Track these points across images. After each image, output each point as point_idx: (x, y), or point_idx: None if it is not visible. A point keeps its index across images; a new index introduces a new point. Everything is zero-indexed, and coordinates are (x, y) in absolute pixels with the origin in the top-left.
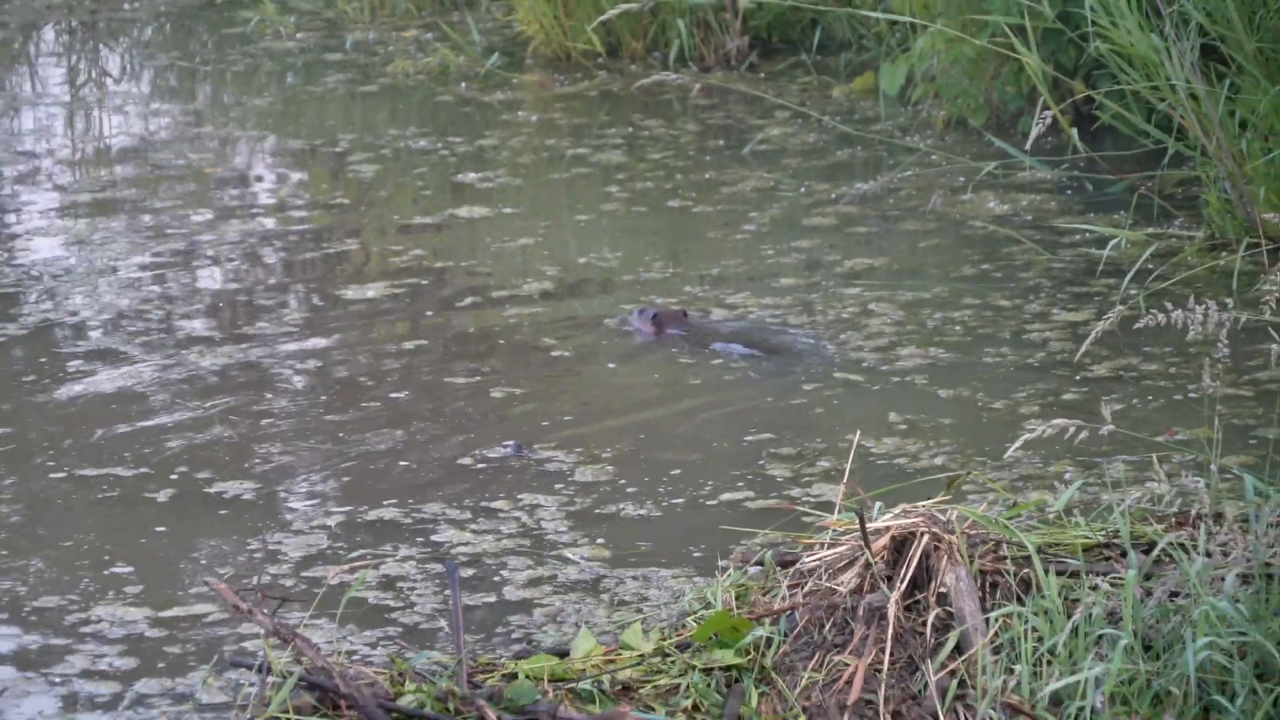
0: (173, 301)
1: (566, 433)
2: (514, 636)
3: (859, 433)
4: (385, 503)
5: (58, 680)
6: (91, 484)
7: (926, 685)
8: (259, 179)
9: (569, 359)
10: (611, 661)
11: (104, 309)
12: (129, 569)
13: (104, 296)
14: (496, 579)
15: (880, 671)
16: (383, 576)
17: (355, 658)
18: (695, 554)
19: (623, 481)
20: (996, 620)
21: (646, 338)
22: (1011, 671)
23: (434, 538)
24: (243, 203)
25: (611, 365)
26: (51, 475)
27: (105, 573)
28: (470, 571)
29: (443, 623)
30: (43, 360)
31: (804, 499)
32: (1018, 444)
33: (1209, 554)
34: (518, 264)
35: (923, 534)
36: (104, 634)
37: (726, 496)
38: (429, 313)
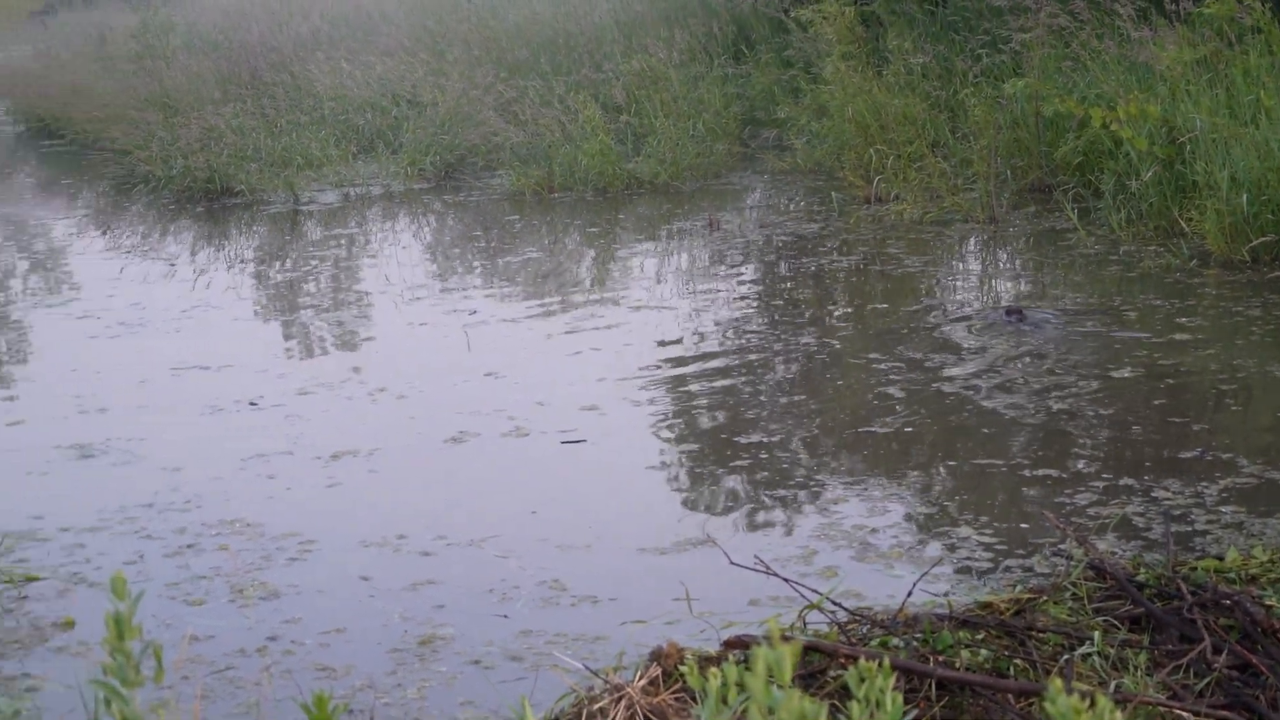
0: (919, 340)
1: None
2: (1195, 550)
3: None
4: (1122, 479)
5: (959, 556)
6: (983, 471)
7: None
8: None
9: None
10: (1245, 564)
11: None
12: (981, 513)
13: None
14: (1188, 522)
15: None
16: (1135, 514)
17: (1113, 554)
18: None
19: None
20: None
21: (1004, 318)
22: None
23: (1152, 494)
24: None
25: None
26: (959, 464)
27: (964, 516)
28: (1177, 514)
29: (1160, 542)
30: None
31: None
32: None
33: None
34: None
35: None
36: (971, 540)
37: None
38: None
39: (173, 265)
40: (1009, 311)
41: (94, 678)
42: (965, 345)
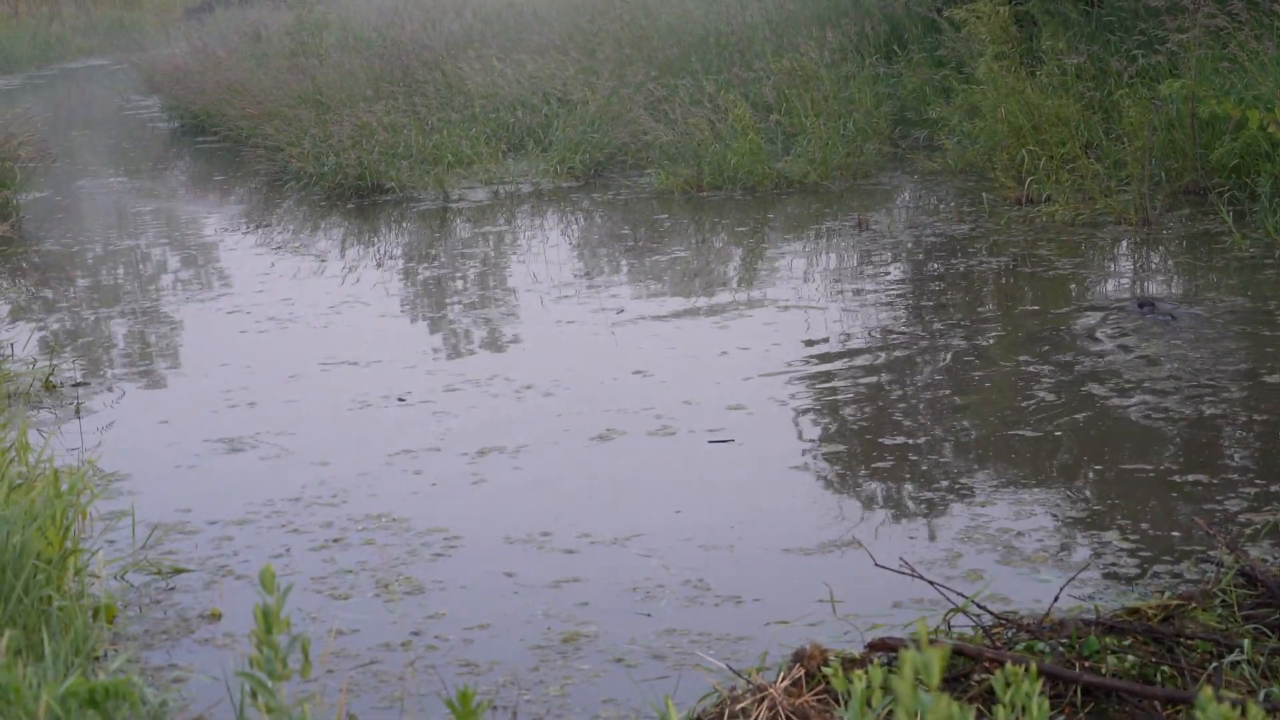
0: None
1: None
2: None
3: None
4: (1274, 485)
5: (1107, 561)
6: (1131, 475)
7: None
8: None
9: None
10: None
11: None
12: (1129, 517)
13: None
14: None
15: None
16: None
17: (1264, 561)
18: None
19: None
20: None
21: (1136, 310)
22: None
23: None
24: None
25: None
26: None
27: (1112, 520)
28: None
29: None
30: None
31: None
32: None
33: None
34: None
35: None
36: (1118, 545)
37: None
38: None
39: (323, 261)
40: (1141, 304)
41: (241, 669)
42: (1114, 347)
